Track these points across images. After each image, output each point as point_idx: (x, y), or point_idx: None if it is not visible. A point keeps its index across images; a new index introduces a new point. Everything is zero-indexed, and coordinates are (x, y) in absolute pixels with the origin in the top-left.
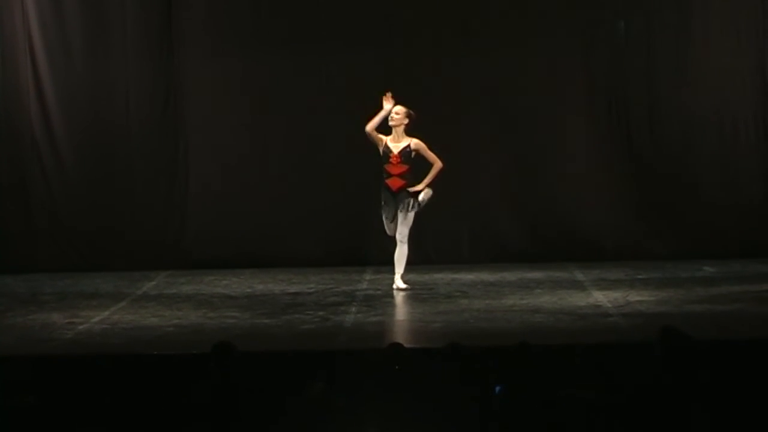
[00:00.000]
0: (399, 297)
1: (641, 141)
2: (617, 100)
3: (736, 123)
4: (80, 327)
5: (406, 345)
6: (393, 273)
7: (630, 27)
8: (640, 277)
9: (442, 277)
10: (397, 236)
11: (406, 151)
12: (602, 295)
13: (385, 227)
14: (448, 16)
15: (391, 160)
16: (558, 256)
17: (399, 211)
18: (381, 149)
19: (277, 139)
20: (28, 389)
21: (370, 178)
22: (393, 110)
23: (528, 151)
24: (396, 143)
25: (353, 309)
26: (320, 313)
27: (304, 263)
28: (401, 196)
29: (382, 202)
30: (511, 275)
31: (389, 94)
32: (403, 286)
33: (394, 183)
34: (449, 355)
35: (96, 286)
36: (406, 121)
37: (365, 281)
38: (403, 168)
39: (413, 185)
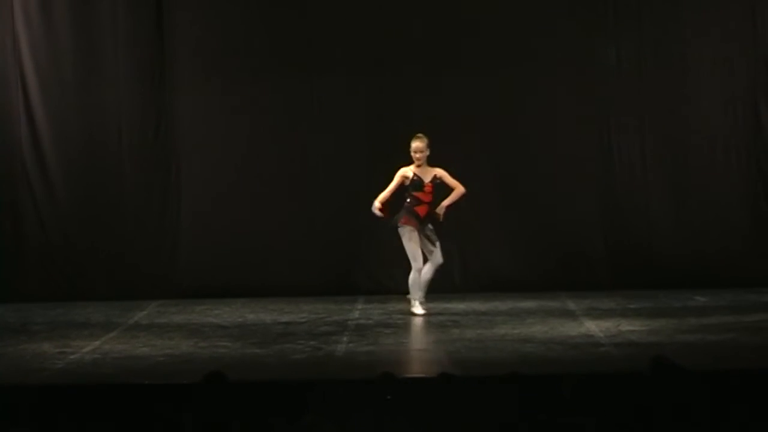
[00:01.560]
0: (391, 326)
1: (634, 170)
2: (609, 129)
3: (728, 153)
4: (71, 356)
5: (397, 375)
6: (384, 303)
7: (620, 52)
8: (631, 306)
9: (433, 306)
10: (432, 263)
11: (435, 182)
12: (594, 325)
13: (415, 255)
14: (438, 39)
15: (425, 189)
16: (550, 285)
17: (428, 236)
18: (409, 180)
19: (269, 167)
20: (19, 420)
21: (362, 208)
22: (413, 147)
23: (519, 178)
24: (424, 174)
25: (345, 338)
26: (312, 342)
27: (296, 293)
28: (427, 221)
29: (408, 236)
30: (502, 305)
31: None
32: (421, 312)
33: (423, 210)
34: (441, 385)
35: (87, 316)
36: (428, 151)
37: (357, 310)
38: (431, 197)
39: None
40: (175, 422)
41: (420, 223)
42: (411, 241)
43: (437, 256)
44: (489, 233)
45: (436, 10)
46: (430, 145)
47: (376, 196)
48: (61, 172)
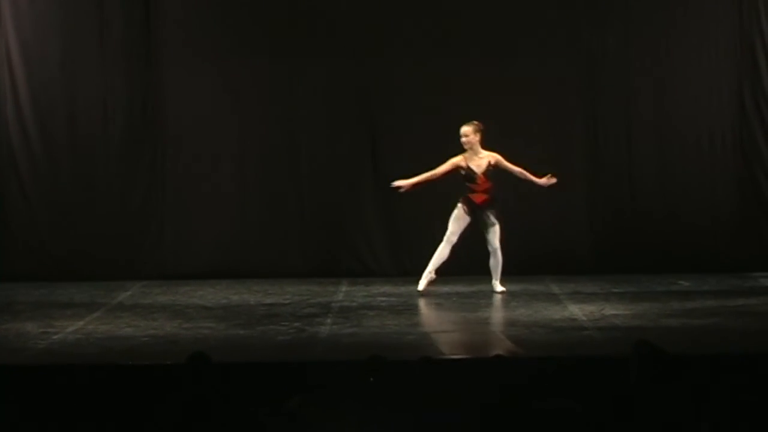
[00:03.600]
0: (374, 308)
1: (618, 156)
2: (594, 117)
3: (713, 139)
4: (54, 337)
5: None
6: (368, 285)
7: (607, 41)
8: (615, 290)
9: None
10: (490, 247)
11: (489, 170)
12: (578, 309)
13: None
14: (427, 32)
15: (477, 181)
16: (534, 269)
17: (486, 222)
18: (463, 171)
19: (255, 150)
20: (2, 399)
21: (348, 189)
22: (461, 132)
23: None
24: (477, 164)
25: (329, 320)
26: (296, 324)
27: (280, 274)
28: (484, 208)
29: (457, 214)
30: (486, 288)
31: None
32: (501, 289)
33: (479, 198)
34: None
35: (71, 296)
36: (478, 136)
37: (341, 293)
38: (488, 185)
39: (496, 199)
40: (159, 403)
41: (472, 210)
42: (454, 219)
43: (492, 241)
44: None
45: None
46: (480, 131)
47: (363, 179)
48: (46, 152)
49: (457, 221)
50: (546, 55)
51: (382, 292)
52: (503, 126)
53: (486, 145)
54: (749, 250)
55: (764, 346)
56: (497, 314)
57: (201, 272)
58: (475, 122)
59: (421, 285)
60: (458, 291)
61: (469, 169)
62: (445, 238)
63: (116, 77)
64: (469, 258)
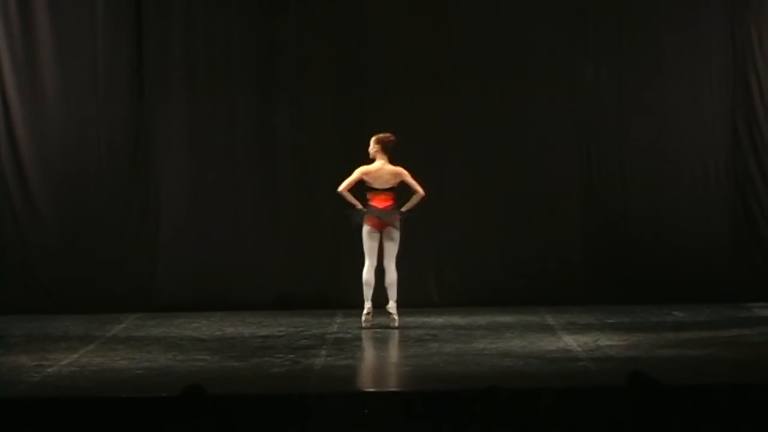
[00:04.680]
0: (369, 340)
1: (613, 187)
2: (588, 146)
3: (707, 169)
4: (49, 369)
5: (375, 389)
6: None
7: (600, 70)
8: (609, 321)
9: (412, 321)
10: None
11: (395, 183)
12: (572, 339)
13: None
14: (421, 55)
15: (383, 190)
16: (529, 299)
17: (388, 235)
18: (369, 178)
19: (248, 181)
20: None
21: (339, 223)
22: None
23: (497, 194)
24: (382, 173)
25: (323, 352)
26: (290, 356)
27: (275, 306)
28: (388, 216)
29: (366, 232)
30: (481, 319)
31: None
32: (394, 313)
33: (381, 203)
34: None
35: (65, 329)
36: (377, 147)
37: (335, 324)
38: (390, 194)
39: (398, 208)
40: None
41: (380, 224)
42: (370, 240)
43: (385, 262)
44: (468, 248)
45: (419, 27)
46: (379, 143)
47: (356, 211)
48: (40, 184)
49: (371, 240)
50: (540, 84)
51: (376, 323)
52: (497, 156)
53: (483, 176)
54: (743, 279)
55: (758, 377)
56: (492, 345)
57: (195, 304)
58: (382, 134)
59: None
60: (453, 323)
61: (374, 174)
62: (369, 263)
63: (110, 110)
64: (464, 290)
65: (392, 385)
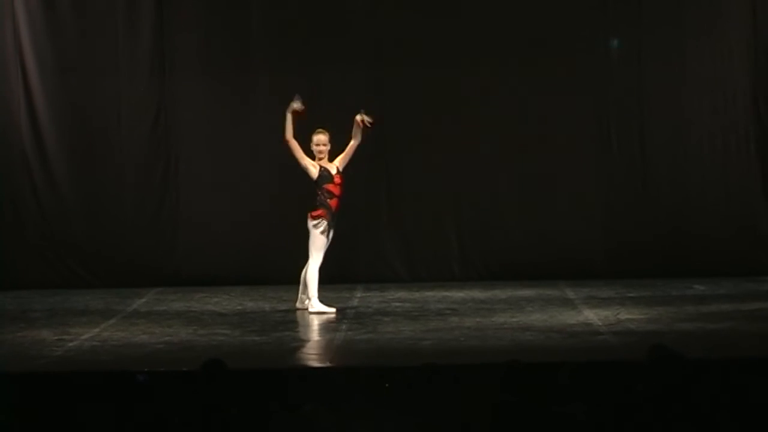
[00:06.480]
0: (390, 314)
1: (633, 160)
2: (608, 119)
3: (728, 141)
4: (70, 344)
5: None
6: (383, 291)
7: (621, 47)
8: (630, 295)
9: (432, 295)
10: (318, 258)
11: (341, 171)
12: (593, 314)
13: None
14: (436, 35)
15: (334, 180)
16: (549, 274)
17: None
18: (317, 172)
19: (268, 157)
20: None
21: (360, 197)
22: (315, 141)
23: (519, 170)
24: (329, 166)
25: (344, 326)
26: (311, 330)
27: (295, 281)
28: (336, 218)
29: (328, 227)
30: (501, 293)
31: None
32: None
33: (335, 204)
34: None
35: (86, 303)
36: (329, 146)
37: (356, 299)
38: (341, 189)
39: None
40: (174, 410)
41: (332, 219)
42: (323, 235)
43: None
44: (488, 223)
45: (434, 5)
46: (331, 140)
47: (376, 186)
48: (61, 160)
49: (323, 236)
50: (559, 57)
51: (397, 297)
52: (516, 130)
53: (503, 151)
54: (765, 252)
55: None
56: (513, 319)
57: (216, 279)
58: (325, 130)
59: (325, 307)
60: (473, 297)
61: (324, 169)
62: (315, 260)
63: (130, 87)
64: (484, 264)
65: (413, 360)
